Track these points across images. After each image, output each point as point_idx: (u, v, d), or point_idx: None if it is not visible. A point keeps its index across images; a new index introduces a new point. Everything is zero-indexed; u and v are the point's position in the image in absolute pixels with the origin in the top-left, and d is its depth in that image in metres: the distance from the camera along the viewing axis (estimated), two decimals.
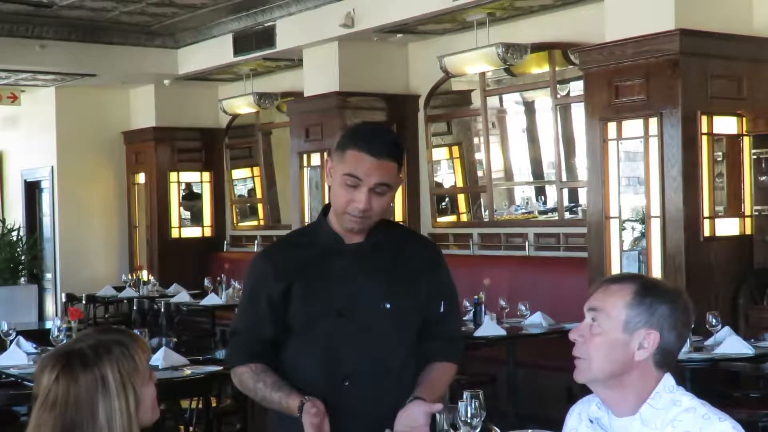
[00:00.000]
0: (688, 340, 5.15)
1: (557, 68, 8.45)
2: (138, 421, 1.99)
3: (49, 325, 7.37)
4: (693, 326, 5.33)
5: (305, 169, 9.99)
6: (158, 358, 5.46)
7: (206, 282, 9.70)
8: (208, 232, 12.52)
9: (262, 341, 2.71)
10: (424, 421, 2.48)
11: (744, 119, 6.88)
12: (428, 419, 2.48)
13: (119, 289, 10.70)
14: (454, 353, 2.80)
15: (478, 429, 2.40)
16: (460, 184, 10.06)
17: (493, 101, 9.41)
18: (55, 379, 1.94)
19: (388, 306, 2.66)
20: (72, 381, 1.93)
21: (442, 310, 2.77)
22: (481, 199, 9.54)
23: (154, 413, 2.06)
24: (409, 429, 2.50)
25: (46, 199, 12.85)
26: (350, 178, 2.59)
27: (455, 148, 10.15)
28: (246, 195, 12.73)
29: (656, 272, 6.72)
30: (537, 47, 8.32)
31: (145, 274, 11.38)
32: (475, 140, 9.69)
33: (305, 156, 9.98)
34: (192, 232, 12.50)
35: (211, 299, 9.14)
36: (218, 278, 9.51)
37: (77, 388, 1.93)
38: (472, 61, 8.40)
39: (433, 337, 2.76)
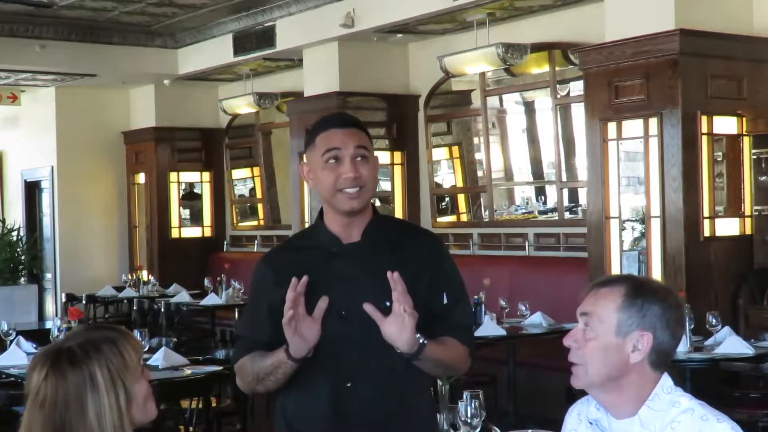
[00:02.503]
0: (688, 339, 5.17)
1: (557, 68, 8.45)
2: (130, 417, 1.99)
3: (49, 325, 7.38)
4: (692, 325, 5.33)
5: None
6: (158, 358, 5.46)
7: (206, 282, 9.70)
8: (208, 232, 12.52)
9: (264, 344, 2.73)
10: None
11: (744, 119, 6.88)
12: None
13: (119, 289, 10.71)
14: (464, 338, 2.75)
15: (478, 429, 2.40)
16: (460, 184, 10.06)
17: (493, 101, 9.41)
18: (44, 377, 1.95)
19: (389, 305, 2.65)
20: (60, 379, 1.93)
21: (445, 302, 2.73)
22: (481, 199, 9.54)
23: (148, 411, 2.05)
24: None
25: (46, 199, 12.86)
26: (330, 153, 2.62)
27: (455, 148, 10.15)
28: (246, 195, 12.73)
29: (656, 272, 6.72)
30: (537, 47, 8.32)
31: (145, 274, 11.38)
32: (475, 140, 9.69)
33: (305, 156, 9.97)
34: (192, 232, 12.50)
35: (211, 299, 9.14)
36: (218, 278, 9.50)
37: (66, 386, 1.93)
38: (472, 61, 8.40)
39: (440, 327, 2.71)
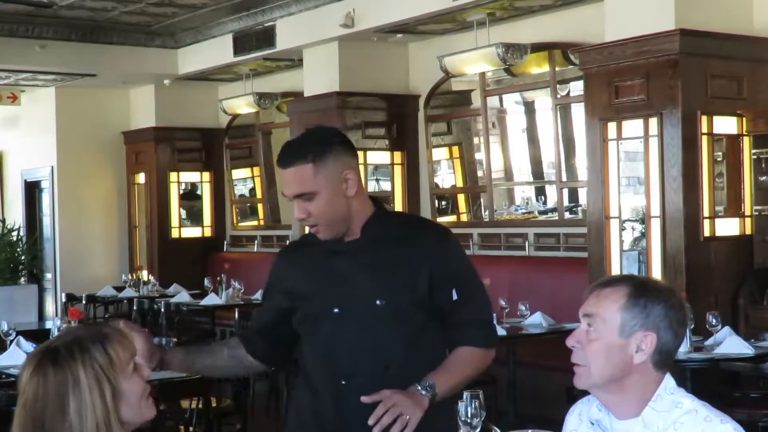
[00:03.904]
0: (688, 340, 5.17)
1: (557, 68, 8.45)
2: (119, 415, 1.96)
3: (49, 325, 7.37)
4: (693, 325, 5.32)
5: None
6: None
7: (206, 282, 9.70)
8: (208, 232, 12.52)
9: (266, 325, 2.87)
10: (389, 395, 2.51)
11: (744, 119, 6.88)
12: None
13: (119, 289, 10.70)
14: (476, 338, 2.72)
15: (478, 429, 2.39)
16: (460, 184, 10.06)
17: (493, 101, 9.41)
18: (28, 377, 1.96)
19: (383, 302, 2.64)
20: (42, 379, 1.94)
21: (455, 297, 2.69)
22: (481, 199, 9.54)
23: (144, 411, 2.02)
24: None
25: (46, 199, 12.86)
26: (285, 195, 2.69)
27: (455, 148, 10.15)
28: (246, 195, 12.73)
29: (656, 272, 6.72)
30: (537, 47, 8.32)
31: (145, 274, 11.37)
32: (475, 140, 9.69)
33: None
34: (192, 232, 12.50)
35: (211, 299, 9.14)
36: (218, 278, 9.50)
37: (46, 385, 1.93)
38: (472, 61, 8.40)
39: (452, 325, 2.70)
